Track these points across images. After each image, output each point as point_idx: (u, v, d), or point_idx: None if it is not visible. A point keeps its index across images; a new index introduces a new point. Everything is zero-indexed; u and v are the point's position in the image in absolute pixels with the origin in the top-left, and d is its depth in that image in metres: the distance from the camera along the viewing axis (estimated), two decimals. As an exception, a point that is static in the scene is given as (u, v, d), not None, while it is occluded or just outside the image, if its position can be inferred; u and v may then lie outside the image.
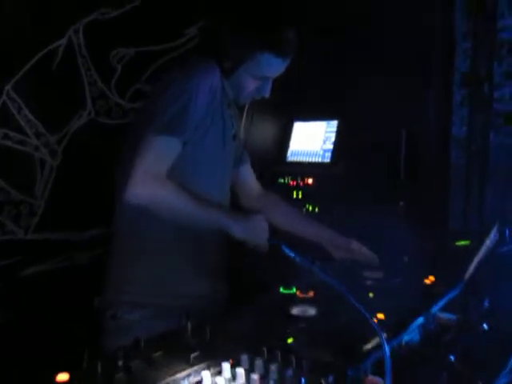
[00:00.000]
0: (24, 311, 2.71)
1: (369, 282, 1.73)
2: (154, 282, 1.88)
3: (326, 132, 3.72)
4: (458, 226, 3.31)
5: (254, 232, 1.78)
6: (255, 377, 1.04)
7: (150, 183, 1.72)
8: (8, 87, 2.70)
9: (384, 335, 1.01)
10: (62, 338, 2.01)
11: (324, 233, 2.18)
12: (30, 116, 2.80)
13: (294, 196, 3.62)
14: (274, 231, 1.89)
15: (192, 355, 1.15)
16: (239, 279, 2.25)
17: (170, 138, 1.77)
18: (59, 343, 1.83)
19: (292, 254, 1.20)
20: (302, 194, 3.62)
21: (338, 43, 3.52)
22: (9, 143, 2.74)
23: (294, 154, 3.85)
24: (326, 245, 2.15)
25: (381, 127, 3.46)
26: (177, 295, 1.87)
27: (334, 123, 3.69)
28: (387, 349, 0.97)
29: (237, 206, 2.19)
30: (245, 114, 3.70)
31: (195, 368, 1.13)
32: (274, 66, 1.88)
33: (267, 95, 1.96)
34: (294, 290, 1.64)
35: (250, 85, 1.90)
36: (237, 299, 1.90)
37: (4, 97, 2.70)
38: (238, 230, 1.77)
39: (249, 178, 2.28)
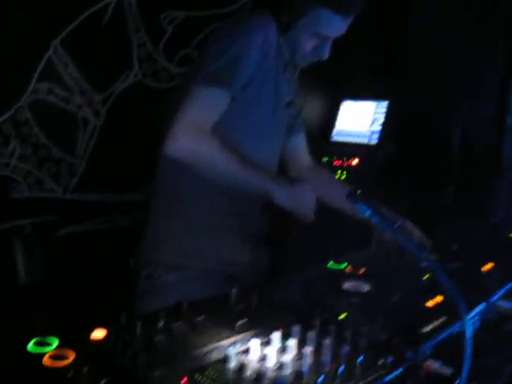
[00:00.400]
0: (58, 271, 2.68)
1: (424, 264, 1.62)
2: (192, 244, 1.79)
3: (375, 113, 3.60)
4: (507, 215, 3.19)
5: (298, 201, 1.68)
6: (308, 350, 0.95)
7: (192, 136, 1.63)
8: (56, 42, 2.64)
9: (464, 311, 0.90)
10: (95, 299, 1.96)
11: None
12: (76, 73, 2.74)
13: (337, 176, 3.52)
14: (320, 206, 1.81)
15: (238, 322, 1.06)
16: (283, 251, 2.18)
17: (216, 90, 1.66)
18: (93, 303, 1.77)
19: (368, 212, 1.10)
20: (346, 175, 3.51)
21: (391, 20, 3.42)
22: (53, 99, 2.69)
23: (340, 134, 3.75)
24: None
25: (433, 109, 3.36)
26: (215, 259, 1.78)
27: (384, 104, 3.57)
28: (469, 325, 0.86)
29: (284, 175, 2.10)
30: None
31: (241, 336, 1.04)
32: (334, 24, 1.75)
33: (325, 57, 1.83)
34: (345, 265, 1.54)
35: (308, 43, 1.79)
36: (279, 271, 1.82)
37: (51, 52, 2.64)
38: (282, 196, 1.67)
39: (300, 148, 2.17)
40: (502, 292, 1.48)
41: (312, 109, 3.81)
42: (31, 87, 2.60)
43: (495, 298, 1.44)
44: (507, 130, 3.29)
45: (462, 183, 3.24)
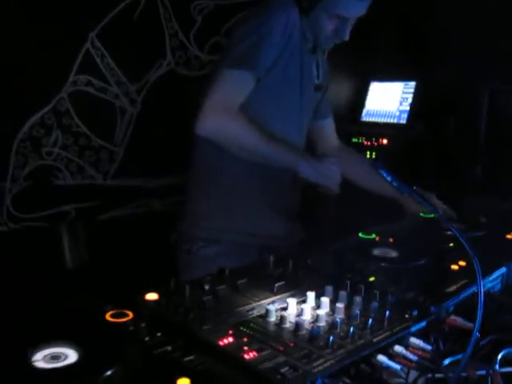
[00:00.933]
0: (101, 253, 2.81)
1: (449, 233, 1.70)
2: (228, 220, 1.90)
3: (403, 93, 3.66)
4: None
5: (324, 174, 1.76)
6: (340, 305, 1.06)
7: (220, 115, 1.72)
8: (93, 34, 2.76)
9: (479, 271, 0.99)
10: (140, 273, 2.07)
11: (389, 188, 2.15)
12: (113, 64, 2.86)
13: (368, 156, 3.59)
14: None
15: (276, 284, 1.17)
16: (315, 224, 2.27)
17: (241, 72, 1.75)
18: (139, 276, 1.88)
19: (389, 178, 1.20)
20: (376, 154, 3.58)
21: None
22: (91, 90, 2.81)
23: (369, 114, 3.82)
24: (403, 200, 2.11)
25: (461, 88, 3.38)
26: (251, 233, 1.90)
27: (412, 84, 3.63)
28: (481, 283, 0.95)
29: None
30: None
31: (280, 296, 1.15)
32: (350, 5, 1.80)
33: (346, 38, 1.88)
34: (374, 235, 1.64)
35: (328, 25, 1.84)
36: (312, 243, 1.90)
37: (88, 44, 2.76)
38: (308, 169, 1.75)
39: (328, 131, 2.25)
40: (524, 257, 1.55)
41: (341, 90, 3.89)
42: (71, 79, 2.73)
43: (517, 262, 1.51)
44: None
45: (490, 164, 3.27)
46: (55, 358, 0.83)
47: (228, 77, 1.75)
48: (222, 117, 1.73)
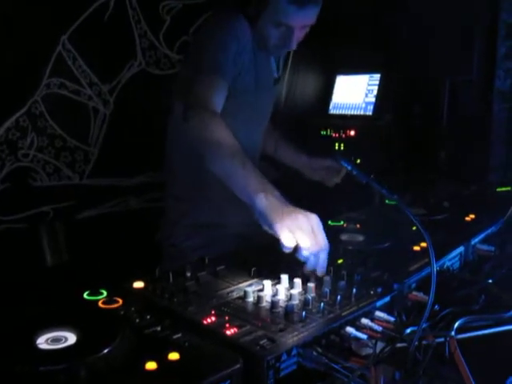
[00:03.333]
0: (81, 251, 2.88)
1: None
2: (203, 216, 2.01)
3: (369, 85, 3.77)
4: (499, 178, 3.36)
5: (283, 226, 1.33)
6: (311, 285, 1.17)
7: (205, 115, 1.69)
8: (64, 38, 2.81)
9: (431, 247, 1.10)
10: (126, 266, 2.16)
11: (300, 158, 2.27)
12: (84, 66, 2.92)
13: (337, 147, 3.70)
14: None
15: (253, 269, 1.27)
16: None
17: (218, 78, 1.78)
18: (125, 269, 1.97)
19: (349, 167, 1.30)
20: (344, 146, 3.69)
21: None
22: (65, 92, 2.87)
23: (337, 107, 3.92)
24: (303, 169, 2.25)
25: (424, 79, 3.51)
26: (224, 225, 2.01)
27: (377, 76, 3.74)
28: (433, 256, 1.06)
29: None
30: (288, 68, 3.78)
31: (256, 280, 1.26)
32: (291, 14, 1.82)
33: (292, 48, 1.92)
34: (342, 222, 1.75)
35: (273, 34, 1.88)
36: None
37: (60, 47, 2.82)
38: (264, 209, 1.38)
39: None
40: (480, 237, 1.68)
41: (308, 85, 4.00)
42: (44, 82, 2.79)
43: (474, 241, 1.64)
44: (495, 94, 3.44)
45: (454, 150, 3.40)
46: (56, 340, 0.93)
47: (204, 82, 1.77)
48: (207, 116, 1.69)
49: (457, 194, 2.33)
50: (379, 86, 3.70)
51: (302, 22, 1.86)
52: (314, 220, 1.31)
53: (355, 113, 3.79)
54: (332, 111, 3.93)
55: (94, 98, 2.98)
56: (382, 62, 3.68)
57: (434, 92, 3.46)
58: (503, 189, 2.43)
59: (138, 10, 3.07)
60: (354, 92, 3.84)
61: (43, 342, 0.92)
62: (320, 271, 1.29)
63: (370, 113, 3.70)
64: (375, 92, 3.71)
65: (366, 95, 3.77)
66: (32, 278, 2.58)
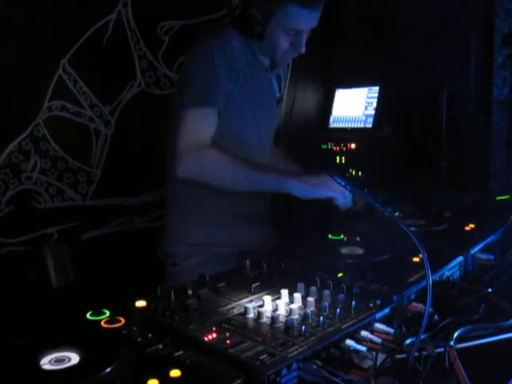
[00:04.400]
0: (87, 272, 2.89)
1: (412, 229, 1.83)
2: (205, 234, 2.02)
3: (368, 98, 3.80)
4: (499, 187, 3.36)
5: (320, 186, 1.84)
6: (311, 299, 1.18)
7: (196, 154, 1.81)
8: (64, 61, 2.85)
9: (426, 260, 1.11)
10: (129, 286, 2.17)
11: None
12: (85, 88, 2.95)
13: (338, 161, 3.71)
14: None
15: (253, 285, 1.29)
16: (290, 230, 2.38)
17: (203, 109, 1.84)
18: (127, 288, 1.98)
19: (343, 183, 1.32)
20: (346, 159, 3.71)
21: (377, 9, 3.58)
22: (66, 114, 2.90)
23: (337, 121, 3.94)
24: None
25: (422, 90, 3.53)
26: (227, 243, 2.02)
27: (376, 89, 3.76)
28: (428, 266, 1.07)
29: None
30: (287, 82, 3.81)
31: (256, 295, 1.27)
32: (303, 18, 1.84)
33: (302, 50, 1.94)
34: (342, 236, 1.76)
35: (283, 40, 1.90)
36: (286, 247, 2.02)
37: (60, 70, 2.86)
38: (299, 188, 1.82)
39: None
40: (480, 246, 1.69)
41: (308, 99, 4.03)
42: (45, 105, 2.82)
43: (474, 251, 1.65)
44: (494, 102, 3.45)
45: (454, 160, 3.41)
46: (60, 360, 0.94)
47: (193, 116, 1.83)
48: (198, 156, 1.81)
49: (457, 204, 2.34)
50: (378, 98, 3.72)
51: (312, 24, 1.90)
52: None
53: (355, 126, 3.81)
54: (332, 125, 3.95)
55: (95, 120, 3.01)
56: (381, 75, 3.70)
57: (433, 102, 3.48)
58: (503, 197, 2.44)
59: (137, 32, 3.11)
60: (354, 105, 3.87)
61: (47, 362, 0.94)
62: (349, 204, 1.84)
63: (370, 125, 3.72)
64: (374, 104, 3.73)
65: (366, 108, 3.79)
66: (37, 301, 2.59)
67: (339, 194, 1.83)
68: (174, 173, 1.83)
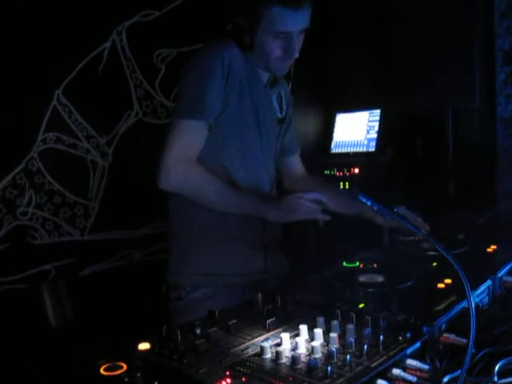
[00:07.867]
0: (86, 309, 2.78)
1: (431, 253, 1.72)
2: (209, 264, 1.90)
3: (369, 121, 3.73)
4: (507, 205, 3.27)
5: (292, 211, 1.77)
6: (334, 335, 1.06)
7: (181, 167, 1.74)
8: (58, 92, 2.77)
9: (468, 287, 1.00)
10: (131, 324, 2.06)
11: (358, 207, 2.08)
12: (81, 119, 2.88)
13: (341, 186, 3.62)
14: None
15: (268, 321, 1.17)
16: (299, 255, 2.28)
17: (193, 121, 1.77)
18: (130, 327, 1.87)
19: (369, 202, 1.21)
20: (349, 184, 3.62)
21: (375, 30, 3.53)
22: (61, 147, 2.82)
23: (339, 145, 3.87)
24: (371, 215, 2.12)
25: (425, 110, 3.46)
26: (234, 273, 1.90)
27: (377, 112, 3.70)
28: (471, 297, 0.96)
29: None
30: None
31: (272, 332, 1.15)
32: (289, 19, 1.78)
33: (296, 54, 1.88)
34: (358, 263, 1.65)
35: (274, 47, 1.83)
36: (298, 276, 1.91)
37: (55, 101, 2.78)
38: (274, 213, 1.79)
39: (296, 164, 2.28)
40: (506, 268, 1.58)
41: (309, 125, 3.96)
42: (40, 138, 2.74)
43: (500, 274, 1.53)
44: (498, 121, 3.39)
45: (461, 179, 3.33)
46: (54, 417, 0.82)
47: (181, 127, 1.77)
48: (184, 169, 1.76)
49: (470, 225, 2.23)
50: (380, 121, 3.66)
51: (300, 25, 1.83)
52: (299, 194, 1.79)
53: (358, 150, 3.74)
54: (334, 150, 3.88)
55: (91, 151, 2.93)
56: (382, 97, 3.64)
57: (437, 121, 3.41)
58: (519, 216, 2.34)
59: (133, 60, 3.04)
60: (355, 129, 3.80)
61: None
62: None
63: (372, 149, 3.65)
64: (376, 128, 3.66)
65: (368, 132, 3.72)
66: (35, 341, 2.48)
67: (312, 214, 1.78)
68: (157, 184, 1.76)
